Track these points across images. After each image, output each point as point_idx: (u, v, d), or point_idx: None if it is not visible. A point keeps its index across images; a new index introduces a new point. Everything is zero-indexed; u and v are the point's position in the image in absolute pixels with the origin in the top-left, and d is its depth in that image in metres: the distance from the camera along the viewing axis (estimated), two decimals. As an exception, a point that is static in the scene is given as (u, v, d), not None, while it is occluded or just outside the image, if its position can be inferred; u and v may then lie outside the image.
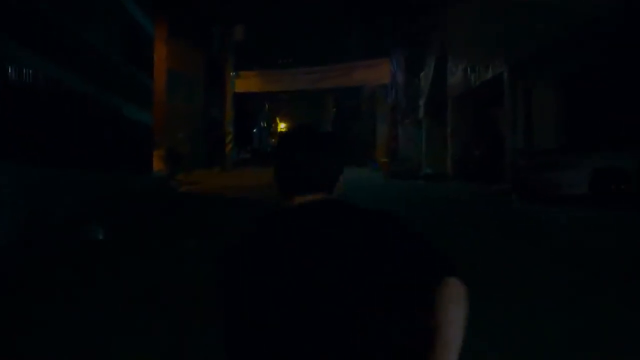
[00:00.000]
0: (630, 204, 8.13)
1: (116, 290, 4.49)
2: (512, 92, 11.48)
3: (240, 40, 22.91)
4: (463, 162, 15.52)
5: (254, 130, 40.38)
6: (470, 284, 1.09)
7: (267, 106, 54.45)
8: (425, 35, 18.72)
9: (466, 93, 15.12)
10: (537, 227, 7.56)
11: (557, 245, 6.17)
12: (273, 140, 59.54)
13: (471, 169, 15.31)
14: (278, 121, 66.36)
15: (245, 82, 22.64)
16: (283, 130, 66.50)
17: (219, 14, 21.25)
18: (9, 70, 7.58)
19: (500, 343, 3.12)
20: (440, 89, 17.42)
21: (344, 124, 42.07)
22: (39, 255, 5.76)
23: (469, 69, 14.41)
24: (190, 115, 21.53)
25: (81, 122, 10.33)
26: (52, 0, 9.01)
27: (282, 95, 61.25)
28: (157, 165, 16.33)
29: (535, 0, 10.18)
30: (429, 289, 1.03)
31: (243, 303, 1.10)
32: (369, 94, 28.55)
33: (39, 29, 8.49)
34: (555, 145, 10.44)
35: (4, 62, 7.38)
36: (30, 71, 8.22)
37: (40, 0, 8.57)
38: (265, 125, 58.44)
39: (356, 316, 1.04)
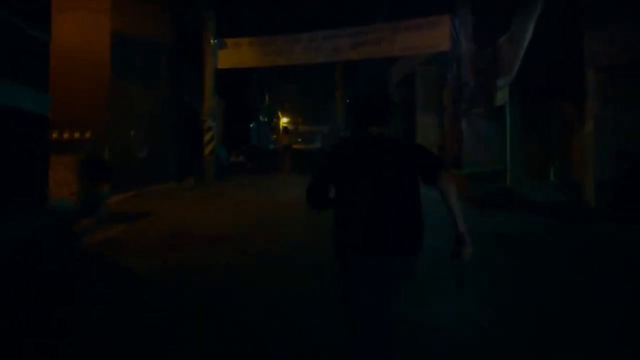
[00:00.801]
0: None
1: None
2: None
3: (227, -5, 15.84)
4: (623, 182, 8.44)
5: (251, 125, 33.28)
6: None
7: (267, 98, 47.37)
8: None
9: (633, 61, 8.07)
10: None
11: None
12: (275, 136, 52.42)
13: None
14: (280, 115, 59.40)
15: (234, 55, 15.48)
16: (286, 125, 59.57)
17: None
18: None
19: None
20: (556, 57, 10.36)
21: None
22: None
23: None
24: (150, 103, 14.45)
25: None
26: None
27: (284, 86, 54.19)
28: (67, 182, 9.21)
29: None
30: (434, 175, 2.38)
31: (336, 175, 2.47)
32: (404, 74, 21.36)
33: None
34: None
35: None
36: None
37: None
38: (266, 119, 51.31)
39: (396, 180, 2.38)
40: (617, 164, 8.56)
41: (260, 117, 39.70)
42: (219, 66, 15.65)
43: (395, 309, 2.40)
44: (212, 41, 15.29)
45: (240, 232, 7.61)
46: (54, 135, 10.35)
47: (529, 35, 11.26)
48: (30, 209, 7.73)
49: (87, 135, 12.74)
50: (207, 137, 15.40)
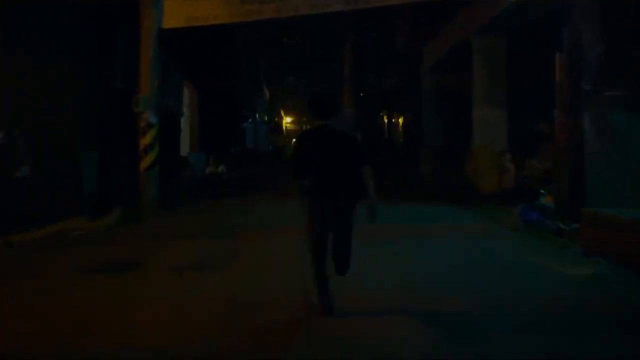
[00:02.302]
0: None
1: None
2: None
3: None
4: None
5: (244, 125, 27.05)
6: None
7: (267, 93, 41.17)
8: None
9: None
10: None
11: None
12: (273, 137, 45.94)
13: None
14: (282, 114, 53.18)
15: (189, 5, 9.28)
16: (289, 125, 53.56)
17: None
18: None
19: None
20: None
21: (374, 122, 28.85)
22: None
23: None
24: (43, 88, 8.29)
25: None
26: None
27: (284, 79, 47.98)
28: None
29: None
30: (360, 167, 3.96)
31: (304, 155, 4.01)
32: (445, 54, 15.14)
33: None
34: None
35: None
36: None
37: None
38: (266, 119, 45.10)
39: (342, 163, 3.94)
40: None
41: (257, 116, 33.50)
42: (167, 25, 9.41)
43: (345, 230, 3.98)
44: (151, -18, 9.06)
45: None
46: None
47: None
48: None
49: None
50: (145, 141, 9.18)
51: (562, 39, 7.83)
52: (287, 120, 53.08)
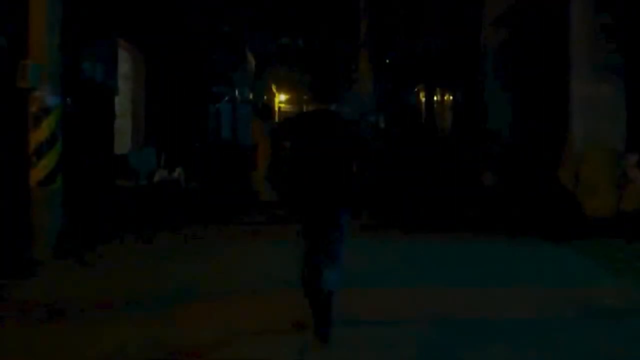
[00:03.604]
0: None
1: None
2: None
3: None
4: None
5: (218, 105, 25.40)
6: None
7: (252, 61, 39.73)
8: None
9: None
10: None
11: None
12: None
13: None
14: (275, 91, 51.79)
15: None
16: (282, 105, 52.21)
17: None
18: None
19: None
20: None
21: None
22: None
23: None
24: None
25: None
26: None
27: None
28: None
29: None
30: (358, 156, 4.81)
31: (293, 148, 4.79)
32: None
33: None
34: None
35: None
36: None
37: None
38: (251, 97, 43.41)
39: (334, 158, 4.61)
40: None
41: (238, 93, 31.99)
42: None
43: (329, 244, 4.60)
44: None
45: None
46: None
47: None
48: None
49: None
50: (39, 136, 7.54)
51: None
52: (280, 99, 51.73)
